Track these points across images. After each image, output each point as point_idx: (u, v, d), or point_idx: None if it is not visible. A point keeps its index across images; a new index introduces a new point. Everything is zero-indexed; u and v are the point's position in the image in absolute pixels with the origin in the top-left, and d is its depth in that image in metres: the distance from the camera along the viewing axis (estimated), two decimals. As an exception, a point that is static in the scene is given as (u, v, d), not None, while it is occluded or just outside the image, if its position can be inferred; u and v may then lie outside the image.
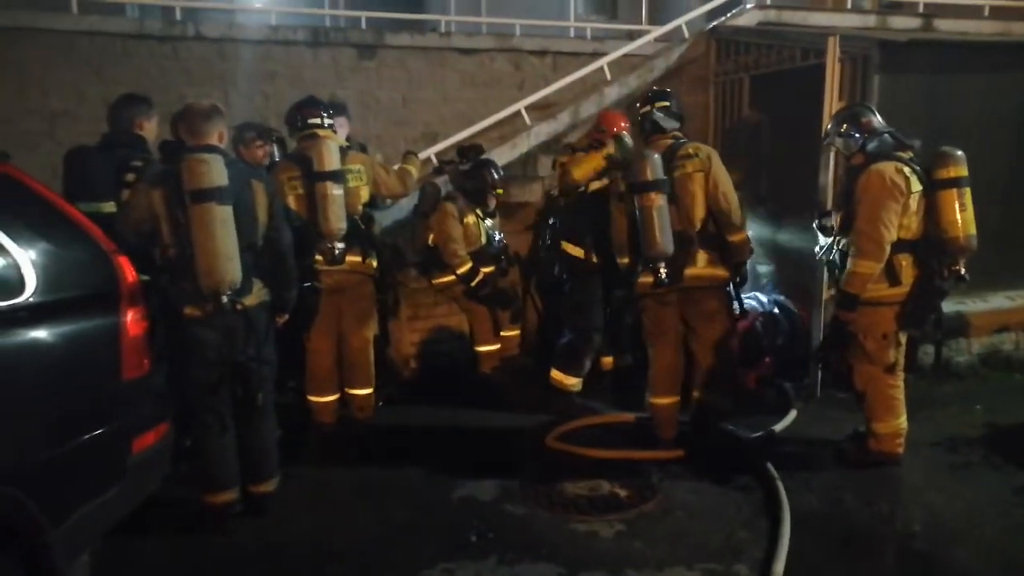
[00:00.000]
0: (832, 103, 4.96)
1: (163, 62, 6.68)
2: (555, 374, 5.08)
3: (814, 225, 4.47)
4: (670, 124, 4.27)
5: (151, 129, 4.12)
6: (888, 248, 3.85)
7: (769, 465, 3.99)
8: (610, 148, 4.98)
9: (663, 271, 4.05)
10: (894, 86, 5.34)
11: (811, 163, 5.13)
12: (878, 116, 4.15)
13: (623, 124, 5.48)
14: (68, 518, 2.31)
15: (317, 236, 4.25)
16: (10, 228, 2.31)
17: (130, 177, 3.86)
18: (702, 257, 4.14)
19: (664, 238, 3.99)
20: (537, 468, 4.11)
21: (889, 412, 4.06)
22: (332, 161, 4.21)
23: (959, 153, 3.89)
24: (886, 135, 4.02)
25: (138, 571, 3.17)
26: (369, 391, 4.69)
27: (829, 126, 4.23)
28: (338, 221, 4.23)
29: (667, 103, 4.31)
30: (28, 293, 2.31)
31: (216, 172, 3.27)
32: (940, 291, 3.97)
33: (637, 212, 4.06)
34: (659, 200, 3.99)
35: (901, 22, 7.45)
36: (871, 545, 3.45)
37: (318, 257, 4.32)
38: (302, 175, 4.26)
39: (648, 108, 4.31)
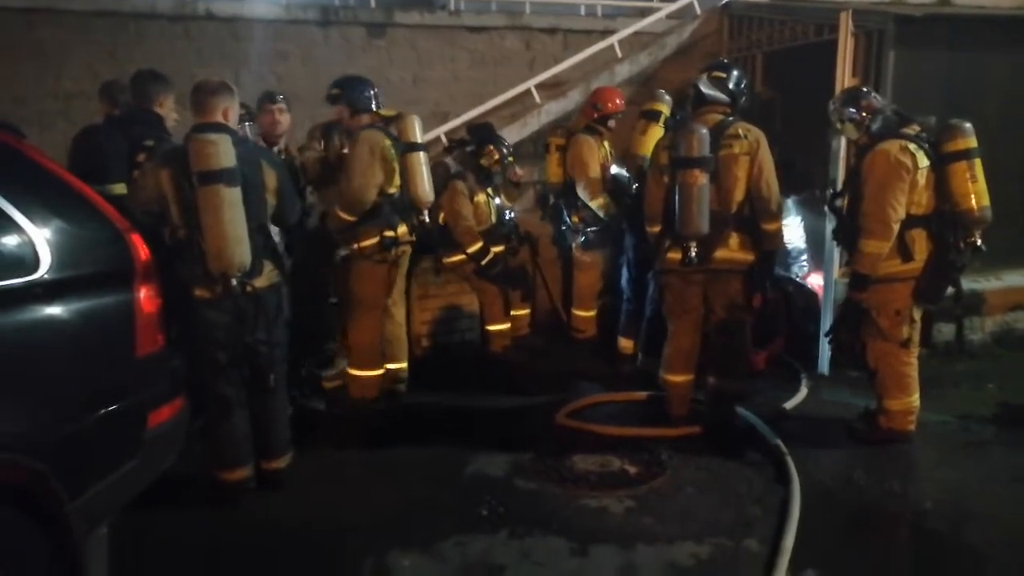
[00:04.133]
0: (845, 79, 4.91)
1: (175, 42, 6.70)
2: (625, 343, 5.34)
3: (825, 206, 4.44)
4: (712, 94, 4.12)
5: (169, 108, 4.11)
6: (896, 227, 3.83)
7: (779, 443, 4.00)
8: (664, 110, 4.78)
9: (693, 250, 4.02)
10: (910, 61, 5.28)
11: (825, 140, 5.09)
12: (877, 96, 4.11)
13: (618, 100, 5.45)
14: (86, 490, 2.35)
15: (406, 206, 4.43)
16: (25, 206, 2.33)
17: (141, 157, 3.86)
18: (735, 240, 4.08)
19: (701, 217, 3.94)
20: (548, 445, 4.13)
21: (901, 389, 4.05)
22: (420, 134, 4.44)
23: (967, 125, 3.86)
24: (889, 113, 3.98)
25: (155, 545, 3.22)
26: (406, 364, 4.82)
27: (831, 112, 4.14)
28: (431, 191, 4.46)
29: (722, 74, 4.17)
30: (43, 270, 2.33)
31: (223, 153, 3.24)
32: (955, 265, 3.95)
33: (677, 187, 4.00)
34: (702, 178, 3.92)
35: (917, -4, 7.34)
36: (882, 521, 3.46)
37: (401, 228, 4.43)
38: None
39: (702, 75, 4.20)
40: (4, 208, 2.28)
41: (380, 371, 4.68)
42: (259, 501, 3.58)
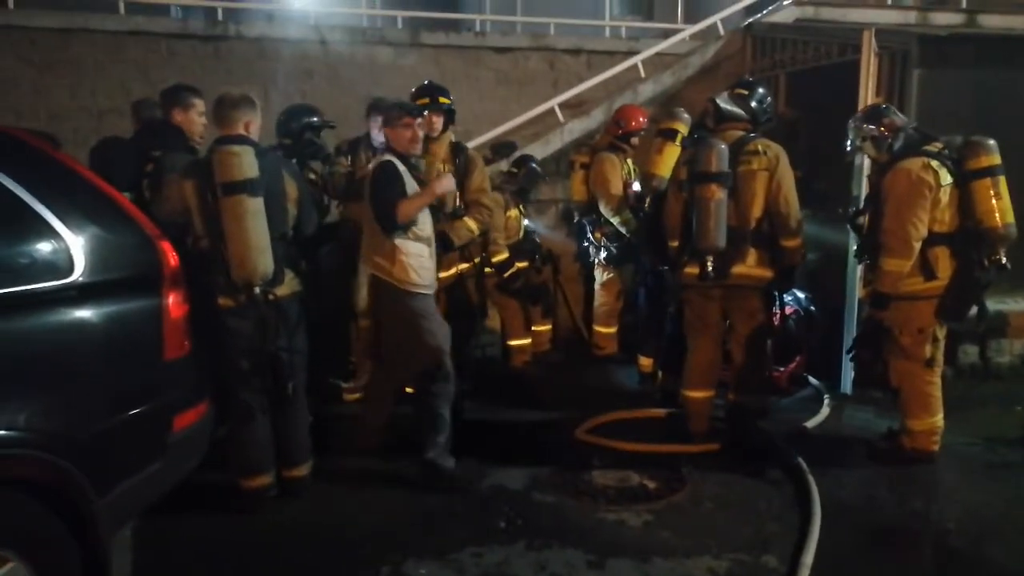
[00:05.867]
0: (868, 98, 4.91)
1: (205, 61, 6.86)
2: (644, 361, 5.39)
3: (847, 225, 4.43)
4: (731, 109, 4.15)
5: (189, 120, 4.15)
6: (917, 245, 3.80)
7: (800, 460, 3.97)
8: (681, 128, 4.79)
9: (711, 265, 4.03)
10: (934, 81, 5.27)
11: (846, 158, 5.07)
12: (899, 113, 4.09)
13: (641, 119, 5.50)
14: (112, 490, 2.39)
15: None
16: (62, 212, 2.40)
17: (149, 168, 3.90)
18: (752, 256, 4.09)
19: (718, 232, 3.95)
20: (567, 460, 4.13)
21: (925, 409, 4.01)
22: None
23: (991, 142, 3.84)
24: (910, 131, 3.96)
25: (177, 550, 3.26)
26: None
27: (851, 129, 4.13)
28: None
29: (744, 91, 4.21)
30: (77, 274, 2.40)
31: (247, 164, 3.32)
32: (980, 283, 3.91)
33: (694, 202, 4.02)
34: (719, 193, 3.95)
35: (943, 18, 7.35)
36: (903, 540, 3.42)
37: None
38: None
39: (723, 92, 4.24)
40: (42, 213, 2.36)
41: None
42: (280, 509, 3.62)
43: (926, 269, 3.87)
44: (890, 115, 4.04)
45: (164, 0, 7.63)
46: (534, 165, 5.83)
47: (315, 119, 4.95)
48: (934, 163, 3.80)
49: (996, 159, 3.81)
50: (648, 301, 5.36)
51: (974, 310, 3.98)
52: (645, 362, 5.42)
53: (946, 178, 3.80)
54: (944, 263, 3.87)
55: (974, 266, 3.89)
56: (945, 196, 3.82)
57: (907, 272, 3.85)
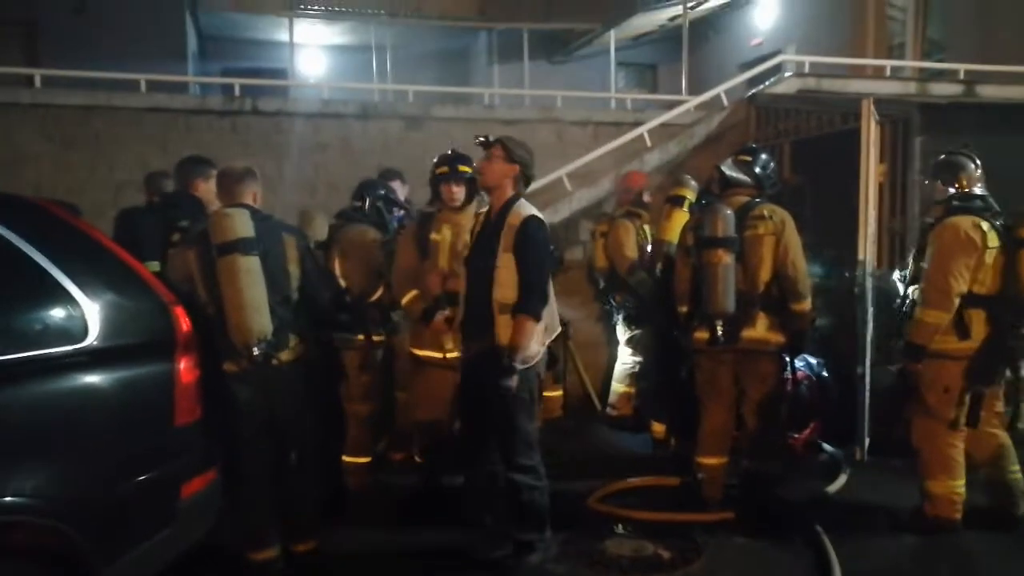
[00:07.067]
0: (869, 164, 4.98)
1: (222, 135, 7.06)
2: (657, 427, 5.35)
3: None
4: (736, 176, 4.20)
5: (208, 190, 4.24)
6: (956, 299, 3.79)
7: (819, 528, 3.87)
8: (689, 195, 4.91)
9: (720, 329, 4.03)
10: (936, 147, 5.34)
11: (854, 224, 5.11)
12: (977, 173, 4.00)
13: (644, 181, 5.71)
14: (119, 558, 2.36)
15: None
16: (78, 277, 2.45)
17: (175, 237, 3.99)
18: (762, 321, 4.09)
19: (726, 297, 3.97)
20: (580, 529, 4.03)
21: (945, 471, 3.91)
22: None
23: None
24: (975, 197, 3.93)
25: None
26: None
27: (932, 164, 4.12)
28: None
29: (747, 157, 4.26)
30: (91, 339, 2.42)
31: (239, 224, 3.33)
32: (1011, 350, 3.87)
33: (703, 267, 4.06)
34: (726, 258, 3.98)
35: (942, 88, 7.52)
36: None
37: None
38: None
39: (727, 159, 4.32)
40: (58, 279, 2.40)
41: None
42: (288, 583, 3.53)
43: (961, 329, 3.84)
44: (965, 172, 3.97)
45: (183, 78, 7.91)
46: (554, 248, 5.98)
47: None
48: (984, 224, 3.82)
49: None
50: (660, 366, 5.33)
51: (1008, 374, 3.93)
52: (658, 428, 5.37)
53: (994, 241, 3.81)
54: (979, 325, 3.84)
55: (1008, 333, 3.86)
56: (990, 258, 3.82)
57: (944, 326, 3.83)
